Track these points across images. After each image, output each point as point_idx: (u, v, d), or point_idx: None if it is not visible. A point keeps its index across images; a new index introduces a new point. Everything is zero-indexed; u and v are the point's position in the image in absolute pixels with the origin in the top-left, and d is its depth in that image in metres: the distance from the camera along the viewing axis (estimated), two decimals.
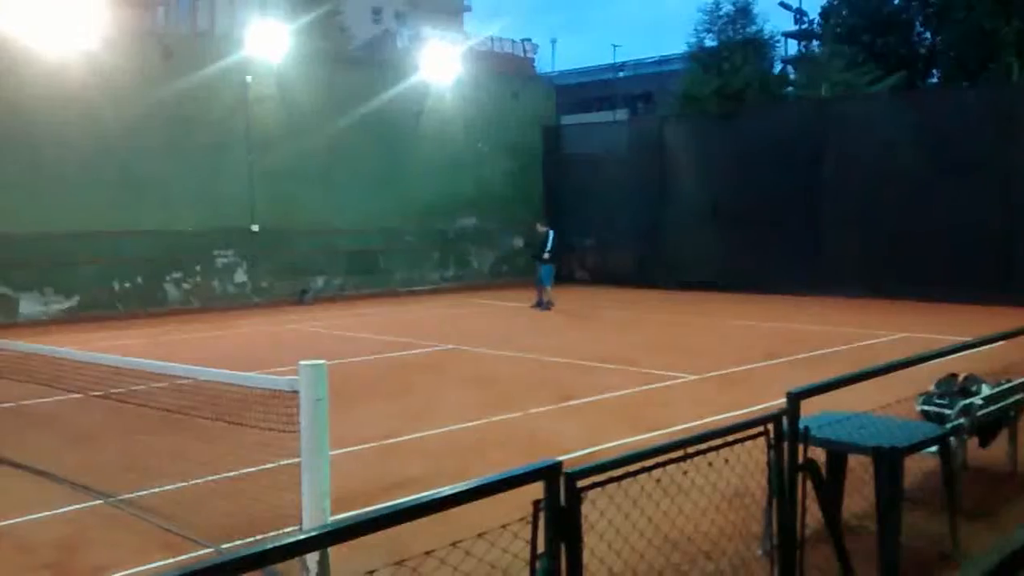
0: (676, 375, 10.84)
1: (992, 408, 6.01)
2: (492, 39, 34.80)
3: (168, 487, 6.39)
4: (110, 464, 7.18)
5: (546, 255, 18.64)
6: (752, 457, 3.69)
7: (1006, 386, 6.30)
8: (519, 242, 19.46)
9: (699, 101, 25.72)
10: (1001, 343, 6.24)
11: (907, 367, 4.90)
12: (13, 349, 8.26)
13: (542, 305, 18.61)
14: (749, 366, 11.44)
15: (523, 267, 26.15)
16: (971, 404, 5.84)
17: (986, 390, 6.13)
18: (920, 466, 5.67)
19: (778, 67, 29.77)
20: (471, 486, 2.55)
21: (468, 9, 57.76)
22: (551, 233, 18.71)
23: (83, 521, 5.86)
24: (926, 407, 5.93)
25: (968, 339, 5.96)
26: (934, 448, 5.15)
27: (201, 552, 5.17)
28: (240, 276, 20.58)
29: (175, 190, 19.09)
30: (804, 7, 31.72)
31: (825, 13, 30.35)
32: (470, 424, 8.50)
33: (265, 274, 20.95)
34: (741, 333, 14.91)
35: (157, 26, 24.96)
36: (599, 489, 2.84)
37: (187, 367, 6.24)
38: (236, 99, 20.30)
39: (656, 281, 22.78)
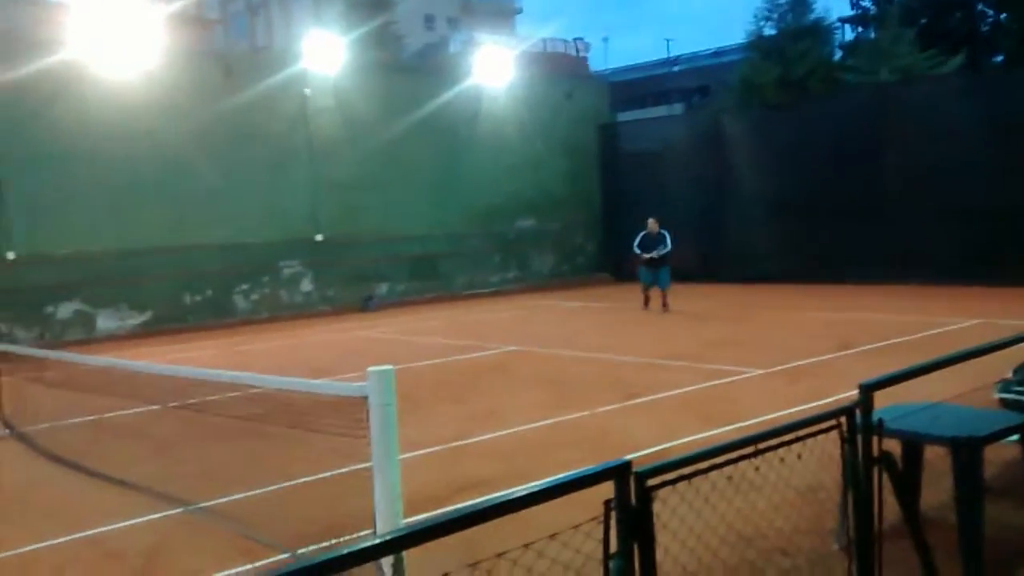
0: (744, 370, 10.71)
1: None
2: (544, 40, 34.78)
3: (245, 494, 6.53)
4: (189, 473, 7.37)
5: (653, 255, 17.23)
6: (825, 451, 3.64)
7: None
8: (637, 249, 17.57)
9: (759, 90, 25.35)
10: None
11: (983, 355, 4.77)
12: (93, 364, 8.55)
13: (665, 305, 17.32)
14: (819, 358, 11.25)
15: (582, 266, 26.13)
16: None
17: None
18: (1001, 455, 5.51)
19: (838, 54, 29.16)
20: (541, 487, 2.56)
21: (520, 11, 57.84)
22: (666, 232, 17.34)
23: (166, 529, 6.03)
24: (1005, 395, 5.78)
25: None
26: (1015, 437, 5.01)
27: (278, 557, 5.28)
28: (306, 285, 20.94)
29: (240, 204, 19.51)
30: None
31: None
32: (538, 424, 8.52)
33: (330, 282, 21.28)
34: (810, 325, 14.67)
35: (216, 44, 25.51)
36: (670, 487, 2.83)
37: (258, 376, 6.37)
38: (296, 112, 20.67)
39: (720, 276, 22.50)
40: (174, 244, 18.66)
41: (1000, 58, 28.33)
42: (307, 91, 20.76)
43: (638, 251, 17.51)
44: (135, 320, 18.51)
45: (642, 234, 17.60)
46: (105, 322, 18.14)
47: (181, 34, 20.03)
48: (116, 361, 8.31)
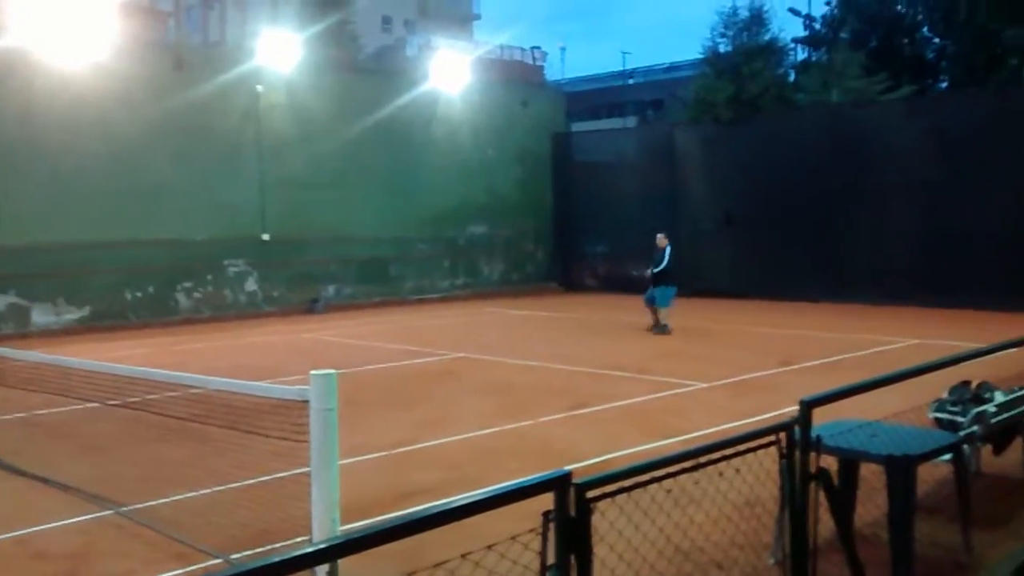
0: (689, 383, 10.81)
1: (1006, 415, 5.97)
2: (502, 47, 34.85)
3: (180, 497, 6.41)
4: (122, 474, 7.20)
5: (654, 272, 16.07)
6: (764, 466, 3.67)
7: (1020, 393, 6.26)
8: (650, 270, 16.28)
9: (713, 107, 25.69)
10: (1014, 350, 6.19)
11: (920, 374, 4.87)
12: (26, 359, 8.31)
13: (660, 328, 15.89)
14: (763, 373, 11.40)
15: (532, 275, 26.19)
16: (984, 411, 5.80)
17: (999, 397, 6.09)
18: (933, 474, 5.63)
19: (791, 75, 29.68)
20: (481, 497, 2.54)
21: (478, 17, 57.89)
22: (668, 248, 16.15)
23: (95, 531, 5.88)
24: (939, 414, 5.90)
25: (981, 346, 5.92)
26: (947, 456, 5.12)
27: (211, 562, 5.17)
28: (251, 285, 20.65)
29: (186, 200, 19.17)
30: (813, 13, 31.55)
31: (833, 20, 30.26)
32: (483, 432, 8.50)
33: (276, 283, 21.01)
34: (755, 340, 14.86)
35: (168, 37, 25.08)
36: (609, 499, 2.83)
37: (198, 376, 6.26)
38: (247, 109, 20.39)
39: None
40: (116, 238, 18.25)
41: (945, 83, 29.10)
42: (259, 88, 20.50)
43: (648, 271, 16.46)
44: (72, 315, 18.06)
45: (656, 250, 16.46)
46: (40, 317, 17.67)
47: (132, 24, 19.63)
48: (50, 357, 8.08)
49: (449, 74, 23.98)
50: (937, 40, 29.92)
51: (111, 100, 18.00)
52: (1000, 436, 6.16)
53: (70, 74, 17.49)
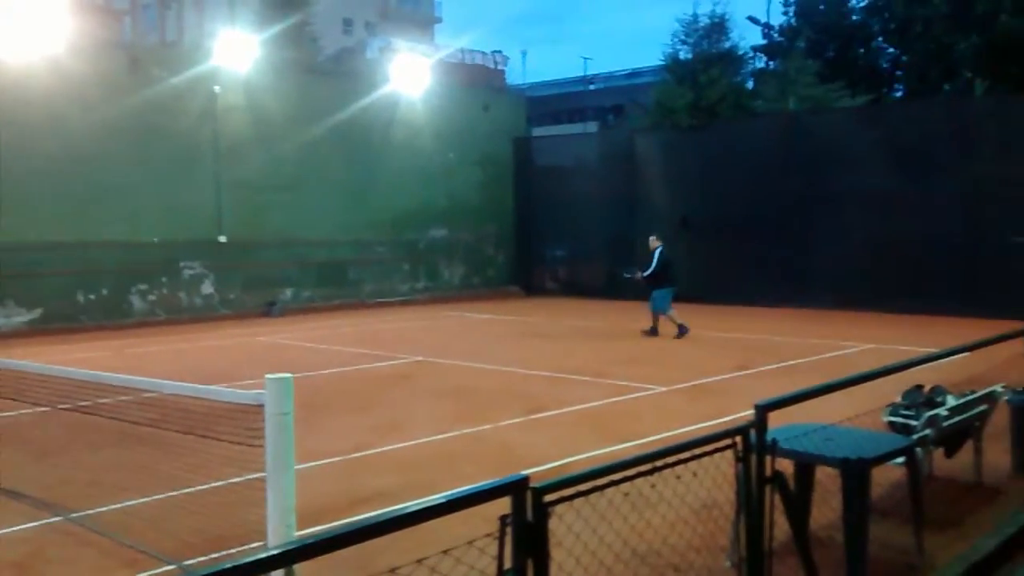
0: (647, 387, 10.86)
1: (957, 419, 6.07)
2: (463, 51, 34.85)
3: (132, 502, 6.29)
4: (73, 479, 7.06)
5: (642, 275, 16.05)
6: (720, 469, 3.69)
7: (971, 397, 6.37)
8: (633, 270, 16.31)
9: (672, 113, 25.88)
10: (966, 354, 6.30)
11: (874, 379, 4.94)
12: None
13: (652, 331, 15.88)
14: (720, 377, 11.49)
15: (493, 279, 26.18)
16: (937, 415, 5.89)
17: (951, 401, 6.19)
18: (887, 477, 5.71)
19: (750, 82, 30.03)
20: (437, 502, 2.52)
21: (439, 21, 57.85)
22: (659, 250, 16.05)
23: (43, 538, 5.74)
24: (893, 418, 5.98)
25: (934, 350, 6.02)
26: (901, 459, 5.19)
27: (164, 569, 5.08)
28: (207, 288, 20.38)
29: (141, 201, 18.89)
30: (771, 22, 31.94)
31: (790, 29, 30.69)
32: (441, 436, 8.46)
33: (232, 286, 20.77)
34: (712, 345, 14.98)
35: (124, 36, 24.72)
36: (567, 503, 2.82)
37: (152, 380, 6.15)
38: (204, 109, 20.14)
39: (627, 293, 22.81)
40: (69, 239, 17.92)
41: (899, 92, 29.63)
42: (216, 88, 20.27)
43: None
44: (23, 318, 17.68)
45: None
46: None
47: (87, 23, 19.32)
48: None
49: (410, 77, 23.92)
50: (892, 50, 30.45)
51: (65, 99, 17.69)
52: (952, 439, 6.26)
53: (23, 72, 17.15)
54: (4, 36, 16.92)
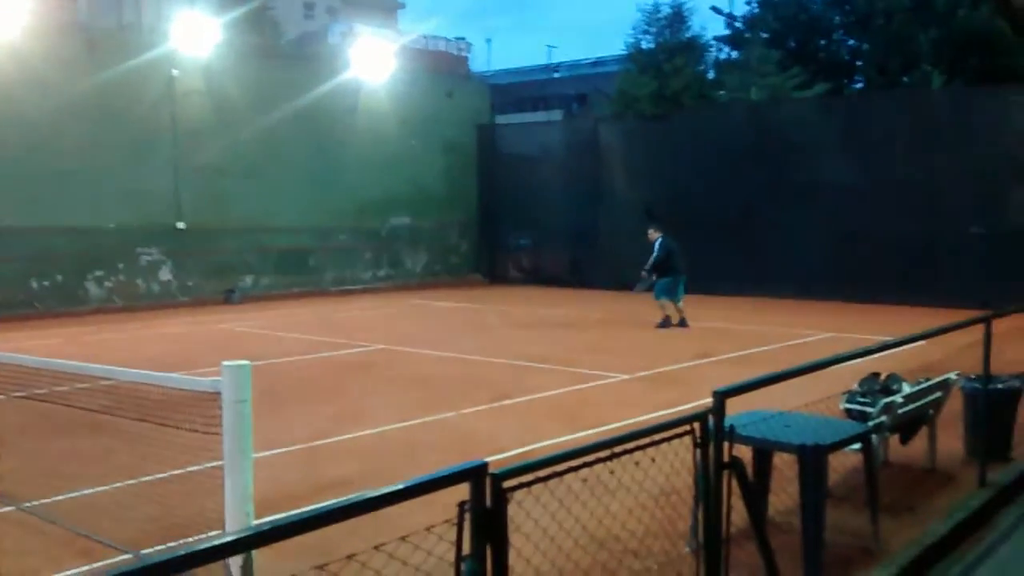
0: (609, 375, 10.91)
1: (912, 406, 6.17)
2: (426, 37, 34.58)
3: (87, 491, 6.21)
4: (26, 468, 6.93)
5: (645, 272, 15.64)
6: (679, 456, 3.71)
7: (925, 385, 6.47)
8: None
9: (635, 102, 25.94)
10: (921, 343, 6.40)
11: (831, 366, 4.99)
12: None
13: (664, 322, 15.40)
14: (681, 365, 11.58)
15: (456, 267, 26.13)
16: (892, 402, 5.99)
17: (907, 389, 6.29)
18: (843, 463, 5.79)
19: (712, 72, 30.20)
20: (397, 488, 2.50)
21: (403, 6, 57.38)
22: (659, 240, 15.74)
23: None
24: (850, 405, 6.06)
25: (890, 339, 6.11)
26: (857, 445, 5.26)
27: (119, 558, 5.02)
28: (165, 274, 20.10)
29: (98, 186, 18.56)
30: (735, 12, 32.21)
31: (751, 19, 30.89)
32: (403, 424, 8.43)
33: (191, 272, 20.51)
34: (674, 333, 15.08)
35: (81, 17, 24.22)
36: (526, 490, 2.82)
37: (107, 367, 6.04)
38: (162, 93, 19.83)
39: (591, 282, 22.90)
40: (22, 225, 17.57)
41: (860, 84, 29.95)
42: (175, 72, 19.95)
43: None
44: None
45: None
46: None
47: (42, 5, 18.87)
48: None
49: (372, 63, 23.73)
50: (852, 42, 30.76)
51: (19, 82, 17.32)
52: (907, 426, 6.36)
53: None
54: None
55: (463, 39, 40.04)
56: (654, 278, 15.57)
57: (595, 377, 10.80)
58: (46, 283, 18.27)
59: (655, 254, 15.57)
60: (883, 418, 5.84)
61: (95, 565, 4.94)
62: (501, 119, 30.96)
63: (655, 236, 15.85)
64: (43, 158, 17.75)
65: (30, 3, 17.74)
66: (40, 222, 17.77)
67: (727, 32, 31.54)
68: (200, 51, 20.22)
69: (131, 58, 19.07)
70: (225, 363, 4.10)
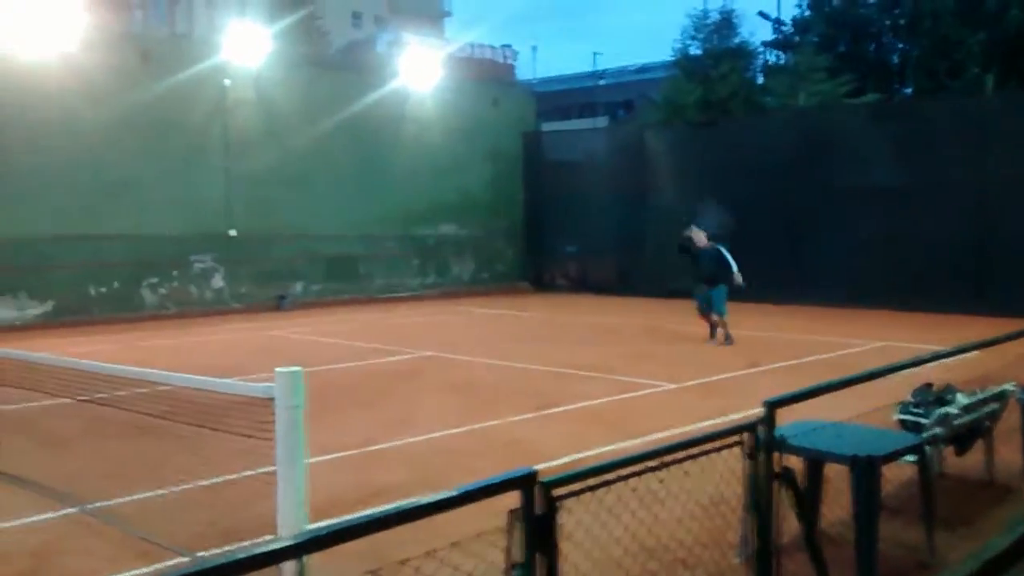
0: (656, 383, 10.86)
1: (968, 417, 6.06)
2: (472, 45, 34.79)
3: (145, 495, 6.33)
4: (86, 471, 7.11)
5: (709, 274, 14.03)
6: (728, 465, 3.70)
7: (981, 396, 6.35)
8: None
9: (682, 109, 25.81)
10: (976, 352, 6.28)
11: (884, 376, 4.93)
12: None
13: (717, 338, 14.08)
14: (729, 374, 11.48)
15: (502, 274, 26.20)
16: (947, 413, 5.88)
17: (962, 399, 6.18)
18: (897, 475, 5.70)
19: (760, 77, 29.97)
20: (448, 496, 2.54)
21: (449, 15, 57.75)
22: (719, 246, 14.21)
23: (58, 529, 5.80)
24: (903, 416, 5.97)
25: (944, 348, 6.01)
26: (911, 457, 5.18)
27: (176, 561, 5.12)
28: (218, 281, 20.46)
29: (152, 194, 18.97)
30: (782, 17, 31.90)
31: (800, 23, 30.58)
32: (451, 432, 8.48)
33: (243, 279, 20.84)
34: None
35: (135, 28, 24.77)
36: (575, 498, 2.83)
37: (163, 373, 6.18)
38: (214, 103, 20.21)
39: (638, 290, 22.79)
40: (80, 232, 18.01)
41: (910, 89, 29.47)
42: (227, 82, 20.32)
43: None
44: (35, 310, 17.79)
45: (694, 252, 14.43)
46: (2, 311, 17.38)
47: (98, 16, 19.34)
48: (12, 352, 7.95)
49: (419, 71, 23.93)
50: (901, 46, 30.30)
51: (76, 93, 17.77)
52: (963, 438, 6.24)
53: (34, 66, 17.25)
54: (18, 32, 17.00)
55: (509, 47, 40.19)
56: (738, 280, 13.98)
57: (642, 386, 10.76)
58: (103, 289, 18.70)
59: (732, 260, 14.02)
60: (938, 429, 5.74)
61: (154, 567, 5.05)
62: (547, 126, 31.03)
63: (702, 238, 14.31)
64: (99, 167, 18.19)
65: (86, 15, 18.20)
66: (97, 230, 18.20)
67: (775, 37, 31.27)
68: (251, 61, 20.58)
69: (184, 68, 19.47)
70: (279, 369, 4.17)
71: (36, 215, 17.43)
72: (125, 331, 16.89)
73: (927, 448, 5.35)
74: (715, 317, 14.13)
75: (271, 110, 21.07)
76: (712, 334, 14.26)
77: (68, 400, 7.58)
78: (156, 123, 19.06)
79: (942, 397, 6.18)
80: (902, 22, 28.99)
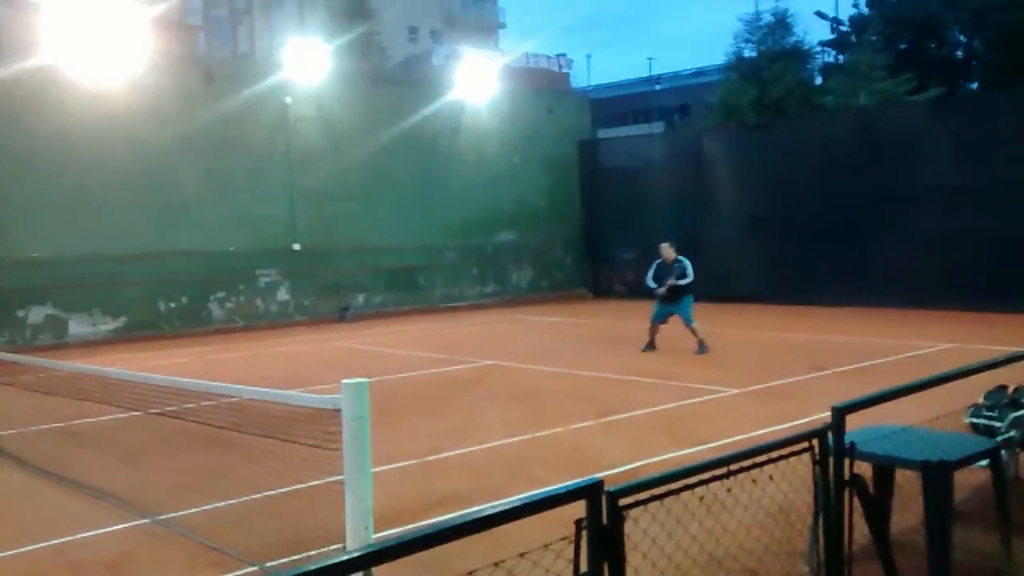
0: (718, 389, 10.75)
1: None
2: (527, 55, 34.96)
3: (215, 505, 6.47)
4: (158, 482, 7.29)
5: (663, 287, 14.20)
6: (797, 473, 3.65)
7: None
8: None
9: (737, 111, 25.55)
10: None
11: (955, 379, 4.82)
12: (64, 369, 8.44)
13: (699, 346, 14.02)
14: (793, 379, 11.31)
15: (561, 282, 26.18)
16: (1022, 416, 5.72)
17: None
18: (971, 480, 5.55)
19: (818, 78, 29.55)
20: (512, 505, 2.55)
21: (503, 26, 58.08)
22: (682, 259, 14.32)
23: (132, 539, 5.95)
24: (975, 419, 5.83)
25: (1017, 349, 5.84)
26: (984, 462, 5.05)
27: (246, 571, 5.22)
28: (283, 295, 20.83)
29: (217, 211, 19.39)
30: (840, 16, 31.37)
31: (859, 21, 30.06)
32: (513, 440, 8.50)
33: (307, 292, 21.18)
34: (784, 346, 14.75)
35: (198, 50, 25.40)
36: (641, 507, 2.82)
37: (232, 386, 6.32)
38: (276, 120, 20.60)
39: (697, 294, 22.47)
40: (150, 250, 18.51)
41: (974, 84, 28.75)
42: (288, 99, 20.71)
43: (653, 285, 14.38)
44: (108, 326, 18.32)
45: (656, 263, 14.58)
46: (77, 327, 17.94)
47: (162, 39, 19.91)
48: (87, 367, 8.21)
49: (475, 83, 24.08)
50: (965, 40, 29.59)
51: (142, 114, 18.27)
52: None
53: (101, 90, 17.78)
54: (84, 56, 17.55)
55: (563, 55, 40.26)
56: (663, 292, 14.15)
57: (704, 391, 10.66)
58: (172, 305, 19.17)
59: (691, 272, 14.13)
60: (1012, 432, 5.59)
61: None
62: (603, 133, 30.96)
63: (673, 256, 14.35)
64: (166, 187, 18.67)
65: (151, 38, 18.72)
66: (165, 247, 18.68)
67: (833, 36, 30.80)
68: (311, 78, 20.94)
69: (246, 87, 19.89)
70: (344, 381, 4.23)
71: (107, 234, 17.96)
72: (194, 345, 17.28)
73: (1002, 452, 5.21)
74: (689, 326, 14.16)
75: (331, 126, 21.40)
76: (649, 346, 14.40)
77: (140, 413, 7.80)
78: (220, 142, 19.49)
79: (1016, 400, 6.02)
80: (967, 15, 28.31)
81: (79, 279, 17.77)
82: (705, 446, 7.72)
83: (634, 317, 20.09)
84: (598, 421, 9.19)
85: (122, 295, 18.40)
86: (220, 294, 19.86)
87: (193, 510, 6.36)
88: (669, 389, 10.87)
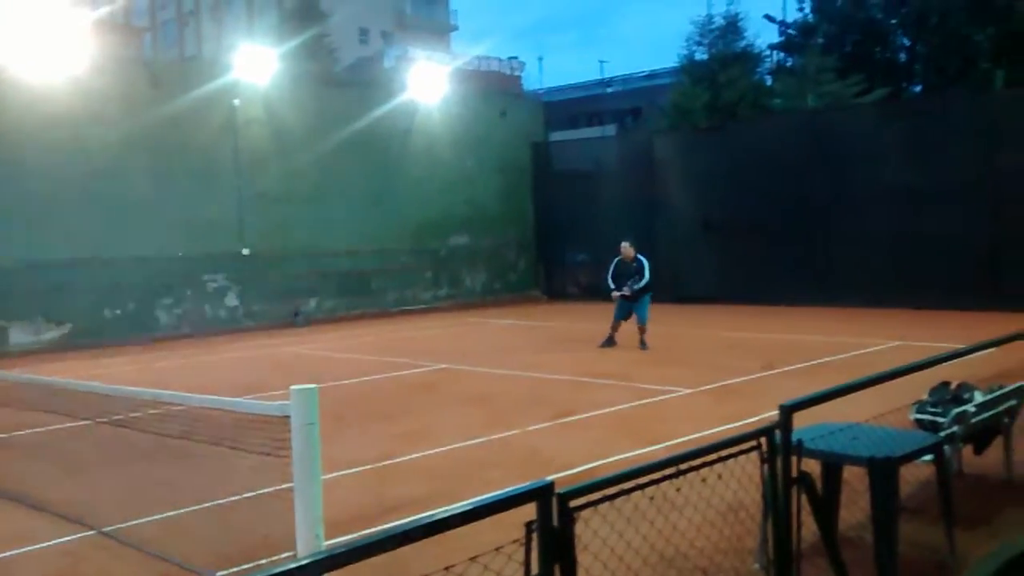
0: (672, 389, 10.83)
1: (985, 415, 6.01)
2: (479, 58, 34.97)
3: (162, 515, 6.35)
4: (104, 493, 7.14)
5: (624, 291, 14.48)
6: (746, 471, 3.69)
7: (999, 393, 6.30)
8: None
9: (689, 114, 25.81)
10: (992, 350, 6.24)
11: (900, 376, 4.91)
12: (4, 379, 8.23)
13: (643, 343, 14.51)
14: (746, 378, 11.44)
15: (515, 284, 26.20)
16: (965, 411, 5.85)
17: (979, 397, 6.14)
18: (916, 475, 5.67)
19: (767, 80, 29.98)
20: (463, 509, 2.54)
21: (455, 29, 58.03)
22: (641, 257, 14.65)
23: (78, 552, 5.82)
24: (920, 416, 5.93)
25: (960, 346, 5.97)
26: (929, 457, 5.15)
27: None
28: (231, 300, 20.54)
29: (164, 216, 19.06)
30: (788, 19, 31.84)
31: (807, 25, 30.57)
32: (468, 443, 8.48)
33: (256, 297, 20.91)
34: (737, 345, 14.92)
35: (144, 52, 24.98)
36: (592, 508, 2.83)
37: (179, 393, 6.23)
38: (224, 123, 20.32)
39: (653, 295, 22.69)
40: (94, 256, 18.11)
41: (918, 87, 29.38)
42: (236, 102, 20.44)
43: (612, 284, 14.63)
44: (52, 334, 17.90)
45: (615, 261, 14.81)
46: (19, 336, 17.50)
47: (108, 41, 19.55)
48: (29, 376, 8.02)
49: (427, 85, 24.00)
50: (909, 43, 30.24)
51: (87, 117, 17.90)
52: (981, 436, 6.20)
53: (45, 91, 17.38)
54: (28, 56, 17.16)
55: (515, 58, 40.36)
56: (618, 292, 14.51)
57: (658, 392, 10.74)
58: (118, 311, 18.80)
59: (647, 274, 14.44)
60: (955, 428, 5.71)
61: None
62: (555, 136, 31.05)
63: (632, 253, 14.66)
64: (111, 191, 18.30)
65: (96, 40, 18.36)
66: (110, 253, 18.31)
67: (780, 40, 31.27)
68: (260, 80, 20.70)
69: (194, 90, 19.57)
70: (293, 387, 4.19)
71: (51, 239, 17.55)
72: (141, 352, 16.98)
73: (945, 447, 5.32)
74: (639, 324, 14.62)
75: (281, 128, 21.17)
76: (609, 341, 14.83)
77: (85, 422, 7.64)
78: (167, 145, 19.17)
79: (959, 395, 6.14)
80: (910, 19, 28.93)
81: (22, 286, 17.33)
82: (660, 445, 7.77)
83: (588, 319, 20.20)
84: (554, 423, 9.21)
85: (66, 302, 17.98)
86: (167, 300, 19.52)
87: (141, 520, 6.24)
88: (624, 389, 10.93)
